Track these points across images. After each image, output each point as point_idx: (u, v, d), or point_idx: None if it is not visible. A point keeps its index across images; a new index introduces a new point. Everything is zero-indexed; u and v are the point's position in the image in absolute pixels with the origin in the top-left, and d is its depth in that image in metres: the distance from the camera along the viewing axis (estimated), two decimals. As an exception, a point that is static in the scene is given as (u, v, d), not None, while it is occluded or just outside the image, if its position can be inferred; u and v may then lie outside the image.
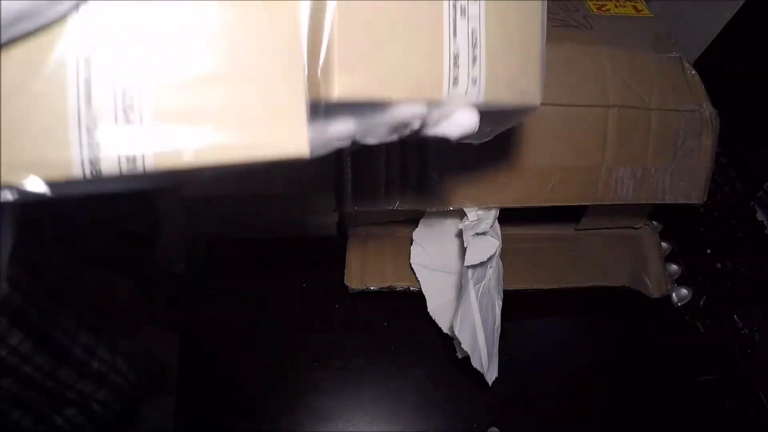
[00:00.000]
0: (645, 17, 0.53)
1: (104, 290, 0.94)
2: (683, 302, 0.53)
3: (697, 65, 0.50)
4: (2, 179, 0.17)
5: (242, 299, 0.51)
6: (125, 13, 0.18)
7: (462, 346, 0.42)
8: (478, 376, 0.43)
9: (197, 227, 0.52)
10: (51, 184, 0.18)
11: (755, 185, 0.57)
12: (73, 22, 0.17)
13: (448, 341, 0.46)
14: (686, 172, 0.48)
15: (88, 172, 0.17)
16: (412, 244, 0.50)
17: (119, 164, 0.18)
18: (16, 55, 0.17)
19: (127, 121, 0.18)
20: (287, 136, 0.20)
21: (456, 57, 0.23)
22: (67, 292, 0.62)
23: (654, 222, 0.57)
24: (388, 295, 0.50)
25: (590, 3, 0.54)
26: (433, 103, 0.23)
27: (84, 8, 0.17)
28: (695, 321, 0.53)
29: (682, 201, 0.48)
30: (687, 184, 0.48)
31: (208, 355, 0.48)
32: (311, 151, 0.21)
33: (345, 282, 0.49)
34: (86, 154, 0.17)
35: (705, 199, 0.49)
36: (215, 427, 0.45)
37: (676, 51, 0.49)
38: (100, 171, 0.17)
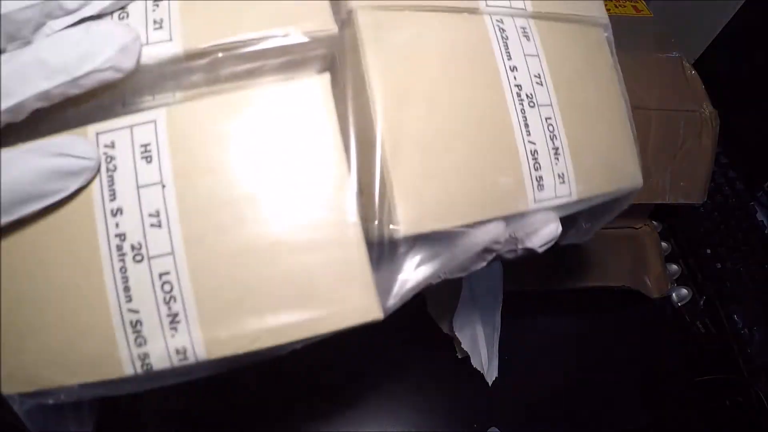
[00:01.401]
0: (645, 17, 0.53)
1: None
2: (683, 302, 0.53)
3: (697, 65, 0.50)
4: (55, 381, 0.16)
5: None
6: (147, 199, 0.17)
7: (462, 346, 0.42)
8: (478, 376, 0.43)
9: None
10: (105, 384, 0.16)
11: (755, 185, 0.57)
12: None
13: (448, 341, 0.46)
14: (686, 172, 0.48)
15: (140, 369, 0.16)
16: (412, 244, 0.50)
17: (170, 358, 0.16)
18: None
19: (170, 309, 0.16)
20: (354, 302, 0.18)
21: (534, 155, 0.19)
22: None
23: (654, 222, 0.57)
24: (388, 295, 0.50)
25: (590, 3, 0.54)
26: (513, 219, 0.19)
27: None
28: (695, 321, 0.53)
29: (682, 201, 0.48)
30: (687, 184, 0.48)
31: (208, 355, 0.48)
32: (385, 310, 0.18)
33: (345, 282, 0.49)
34: (135, 352, 0.16)
35: (705, 199, 0.49)
36: (215, 427, 0.45)
37: (676, 51, 0.49)
38: (150, 366, 0.16)
